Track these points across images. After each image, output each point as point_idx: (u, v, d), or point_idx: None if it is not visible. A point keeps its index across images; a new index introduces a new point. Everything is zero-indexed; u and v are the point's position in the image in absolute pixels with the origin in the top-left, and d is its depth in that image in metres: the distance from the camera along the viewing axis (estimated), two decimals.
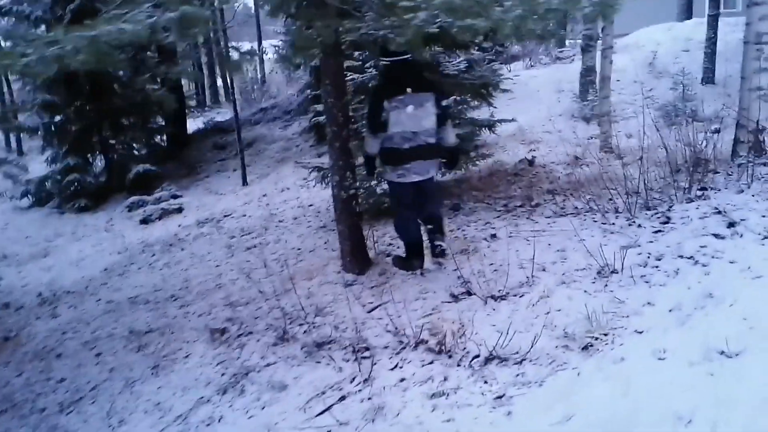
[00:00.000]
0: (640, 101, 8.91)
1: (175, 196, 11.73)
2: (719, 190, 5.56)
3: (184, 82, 20.77)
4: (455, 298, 4.79)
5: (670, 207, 5.39)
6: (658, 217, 5.26)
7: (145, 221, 11.01)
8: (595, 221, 5.64)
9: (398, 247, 5.94)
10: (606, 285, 4.34)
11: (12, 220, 12.51)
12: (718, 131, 7.33)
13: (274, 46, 16.09)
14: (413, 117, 4.94)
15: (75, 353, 5.63)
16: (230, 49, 13.13)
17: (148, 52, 13.77)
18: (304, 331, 4.68)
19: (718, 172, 6.09)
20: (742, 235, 4.47)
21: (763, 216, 4.63)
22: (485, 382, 3.55)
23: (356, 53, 7.39)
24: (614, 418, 2.92)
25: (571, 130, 9.55)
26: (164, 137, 15.63)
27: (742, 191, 5.37)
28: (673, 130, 6.87)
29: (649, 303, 3.94)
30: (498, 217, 6.50)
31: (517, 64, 17.32)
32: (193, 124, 17.70)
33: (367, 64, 7.25)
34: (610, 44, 9.20)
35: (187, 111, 17.21)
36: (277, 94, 20.98)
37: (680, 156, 6.21)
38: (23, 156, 20.60)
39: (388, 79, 5.15)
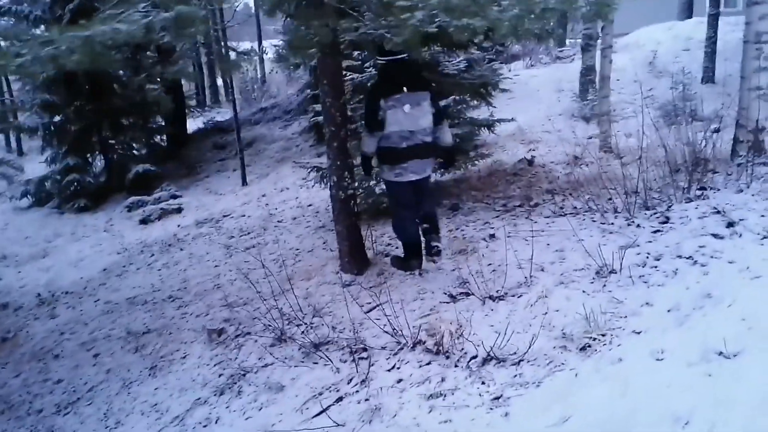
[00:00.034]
0: (640, 101, 8.89)
1: (174, 196, 11.71)
2: (718, 189, 5.53)
3: (184, 81, 20.77)
4: (453, 298, 4.78)
5: (669, 207, 5.36)
6: (657, 217, 5.24)
7: (144, 221, 10.99)
8: (594, 221, 5.62)
9: (397, 247, 5.93)
10: (604, 285, 4.32)
11: (11, 220, 12.49)
12: (717, 131, 7.30)
13: (275, 46, 16.08)
14: (410, 116, 4.95)
15: (73, 354, 5.62)
16: (227, 49, 13.11)
17: (148, 52, 13.73)
18: (302, 332, 4.67)
19: (718, 172, 6.06)
20: (741, 235, 4.44)
21: (762, 216, 4.61)
22: (483, 383, 3.54)
23: (355, 53, 7.37)
24: (612, 419, 2.91)
25: (570, 130, 9.52)
26: (164, 137, 15.61)
27: (742, 191, 5.35)
28: (672, 130, 6.85)
29: (647, 303, 3.92)
30: (497, 217, 6.48)
31: (517, 64, 17.29)
32: (193, 124, 17.68)
33: (367, 64, 7.23)
34: (610, 43, 9.18)
35: (187, 111, 17.19)
36: (277, 94, 20.97)
37: (679, 156, 6.18)
38: (23, 156, 20.63)
39: (385, 78, 5.15)
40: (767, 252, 4.09)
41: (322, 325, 4.80)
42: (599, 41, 9.93)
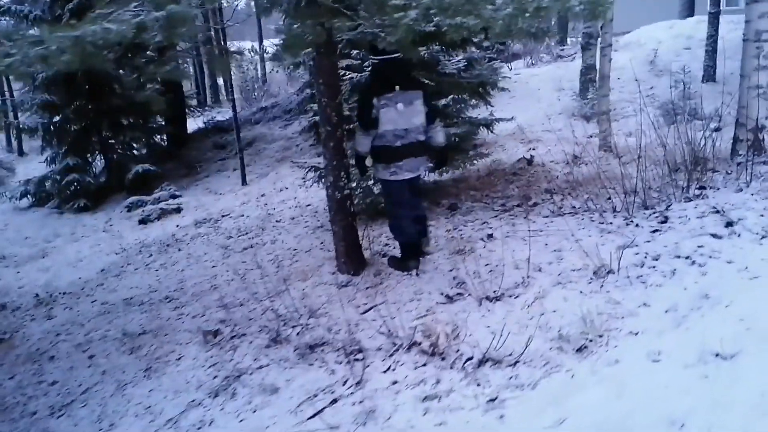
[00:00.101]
0: (640, 99, 8.85)
1: (174, 196, 11.70)
2: (718, 189, 5.49)
3: (184, 81, 20.77)
4: (450, 299, 4.74)
5: (668, 206, 5.33)
6: (656, 217, 5.20)
7: (143, 221, 10.97)
8: (593, 221, 5.58)
9: (394, 248, 5.91)
10: (602, 285, 4.29)
11: (11, 220, 12.48)
12: (718, 129, 7.27)
13: (275, 45, 16.05)
14: (403, 114, 5.00)
15: (68, 355, 5.59)
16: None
17: (148, 51, 13.71)
18: (298, 333, 4.63)
19: (717, 171, 6.03)
20: (740, 235, 4.41)
21: (761, 215, 4.57)
22: (478, 385, 3.51)
23: (354, 52, 7.34)
24: (608, 422, 2.89)
25: (570, 129, 9.48)
26: (164, 137, 15.60)
27: (741, 190, 5.31)
28: (672, 129, 6.81)
29: (644, 304, 3.89)
30: (495, 216, 6.45)
31: (518, 63, 17.28)
32: (193, 124, 17.67)
33: (366, 63, 7.20)
34: (609, 42, 9.14)
35: (187, 110, 17.19)
36: (278, 93, 20.96)
37: (679, 155, 6.14)
38: (24, 156, 20.66)
39: (378, 77, 5.19)
40: (766, 252, 4.07)
41: (318, 326, 4.77)
42: (599, 40, 9.89)
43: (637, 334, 3.58)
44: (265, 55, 23.92)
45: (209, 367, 4.63)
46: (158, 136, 15.30)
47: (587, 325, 3.71)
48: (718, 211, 4.85)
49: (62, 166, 12.97)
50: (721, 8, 12.44)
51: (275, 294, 5.35)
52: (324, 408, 3.68)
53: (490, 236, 5.86)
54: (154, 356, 5.12)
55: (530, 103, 12.48)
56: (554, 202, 6.40)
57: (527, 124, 10.85)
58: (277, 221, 8.57)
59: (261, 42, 25.74)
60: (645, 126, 6.15)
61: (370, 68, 5.96)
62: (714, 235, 4.51)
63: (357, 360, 4.09)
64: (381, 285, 5.26)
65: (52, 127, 13.25)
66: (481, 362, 3.71)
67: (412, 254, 5.44)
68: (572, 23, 17.20)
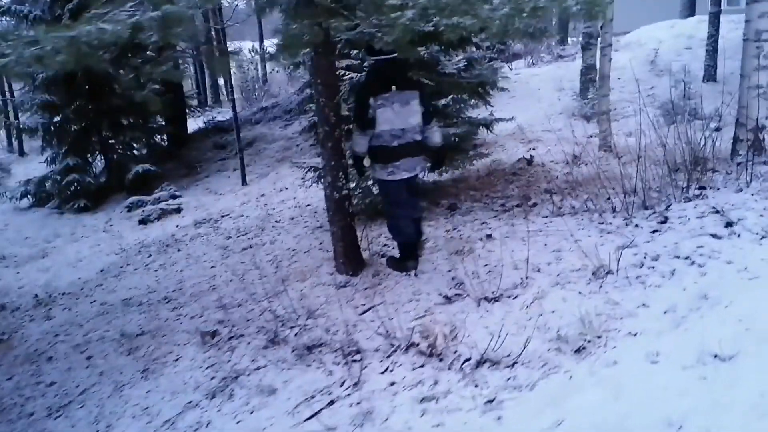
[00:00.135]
0: (641, 99, 8.82)
1: (174, 196, 11.69)
2: (718, 189, 5.47)
3: (185, 81, 20.77)
4: (448, 299, 4.73)
5: (668, 206, 5.31)
6: (656, 217, 5.18)
7: (143, 221, 10.96)
8: (592, 221, 5.57)
9: (393, 248, 5.89)
10: (601, 286, 4.27)
11: (12, 220, 12.47)
12: (718, 129, 7.25)
13: (274, 45, 15.99)
14: (400, 114, 5.01)
15: (66, 356, 5.58)
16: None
17: (148, 52, 13.69)
18: (295, 334, 4.62)
19: (717, 171, 6.01)
20: (739, 235, 4.40)
21: (761, 215, 4.56)
22: (476, 386, 3.50)
23: (354, 52, 7.32)
24: (605, 423, 2.88)
25: (570, 129, 9.46)
26: (164, 137, 15.59)
27: (741, 190, 5.29)
28: (673, 129, 6.79)
29: (643, 305, 3.87)
30: (494, 217, 6.43)
31: (518, 62, 17.26)
32: (194, 124, 17.66)
33: (365, 63, 7.18)
34: (609, 42, 9.12)
35: (187, 110, 17.17)
36: (278, 93, 20.95)
37: (679, 155, 6.12)
38: (24, 156, 20.66)
39: (374, 77, 5.19)
40: (766, 252, 4.05)
41: (316, 327, 4.75)
42: (599, 40, 9.87)
43: (635, 335, 3.56)
44: (265, 55, 23.89)
45: (207, 368, 4.62)
46: (158, 136, 15.28)
47: (586, 326, 3.69)
48: (717, 212, 4.83)
49: (62, 166, 12.97)
50: (723, 8, 12.43)
51: (273, 295, 5.33)
52: (321, 409, 3.67)
53: (489, 236, 5.84)
54: (152, 357, 5.10)
55: (530, 103, 12.46)
56: (554, 203, 6.38)
57: (527, 124, 10.83)
58: (276, 221, 8.56)
59: (261, 42, 25.72)
60: (645, 126, 6.13)
61: (367, 68, 5.96)
62: (714, 236, 4.49)
63: (355, 361, 4.07)
64: (379, 285, 5.25)
65: (52, 128, 13.24)
66: (479, 363, 3.69)
67: (410, 254, 5.43)
68: (573, 23, 17.19)
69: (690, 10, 17.67)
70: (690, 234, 4.63)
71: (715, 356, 3.01)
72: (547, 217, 6.05)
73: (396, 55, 5.01)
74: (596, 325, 3.69)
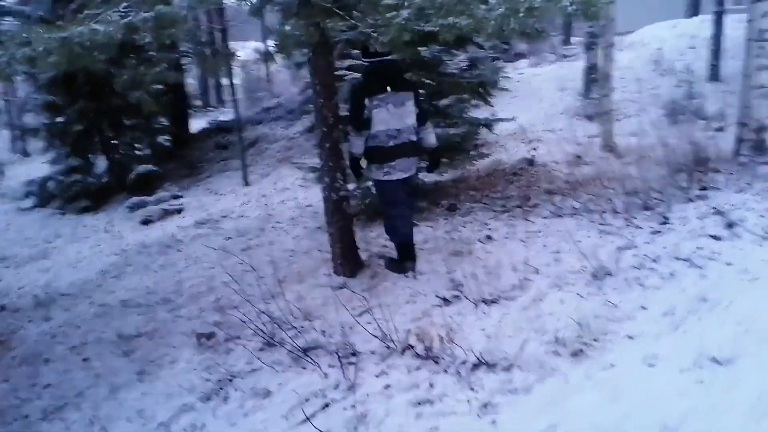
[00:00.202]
0: (644, 99, 8.80)
1: (175, 197, 11.66)
2: (719, 189, 5.43)
3: (189, 81, 20.73)
4: (446, 301, 4.70)
5: (669, 207, 5.27)
6: (656, 218, 5.15)
7: (145, 222, 10.91)
8: (593, 222, 5.53)
9: (391, 249, 5.85)
10: (600, 288, 4.24)
11: (13, 221, 12.45)
12: (721, 129, 7.21)
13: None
14: (395, 115, 5.03)
15: (63, 358, 5.55)
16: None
17: (150, 52, 13.66)
18: (292, 336, 4.58)
19: (720, 171, 5.96)
20: (740, 236, 4.36)
21: (762, 216, 4.52)
22: (472, 389, 3.46)
23: (355, 52, 7.28)
24: (601, 427, 2.86)
25: (572, 129, 9.42)
26: (168, 137, 15.56)
27: (743, 191, 5.25)
28: (676, 129, 6.76)
29: (642, 307, 3.85)
30: (494, 217, 6.39)
31: (522, 62, 17.21)
32: (197, 124, 17.63)
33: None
34: (612, 41, 9.08)
35: (190, 111, 17.14)
36: (280, 94, 20.92)
37: (681, 155, 6.08)
38: (28, 157, 20.68)
39: (369, 78, 5.19)
40: (766, 253, 4.02)
41: (312, 329, 4.72)
42: (602, 39, 9.83)
43: (633, 337, 3.53)
44: (265, 55, 23.87)
45: (202, 370, 4.59)
46: (161, 137, 15.25)
47: (583, 329, 3.66)
48: (719, 212, 4.80)
49: (65, 166, 12.96)
50: (728, 7, 12.37)
51: (271, 296, 5.30)
52: (316, 412, 3.64)
53: (488, 237, 5.82)
54: (149, 359, 5.07)
55: (532, 103, 12.41)
56: (554, 203, 6.35)
57: (529, 123, 10.78)
58: (276, 222, 8.52)
59: (265, 42, 25.72)
60: (647, 126, 6.09)
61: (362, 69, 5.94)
62: (714, 237, 4.47)
63: (350, 364, 4.03)
64: (377, 287, 5.20)
65: (54, 128, 13.23)
66: (476, 366, 3.66)
67: (408, 255, 5.41)
68: (576, 22, 17.15)
69: (694, 10, 17.60)
70: (690, 235, 4.60)
71: (713, 359, 2.98)
72: (547, 217, 6.02)
73: (391, 56, 5.03)
74: (594, 328, 3.66)
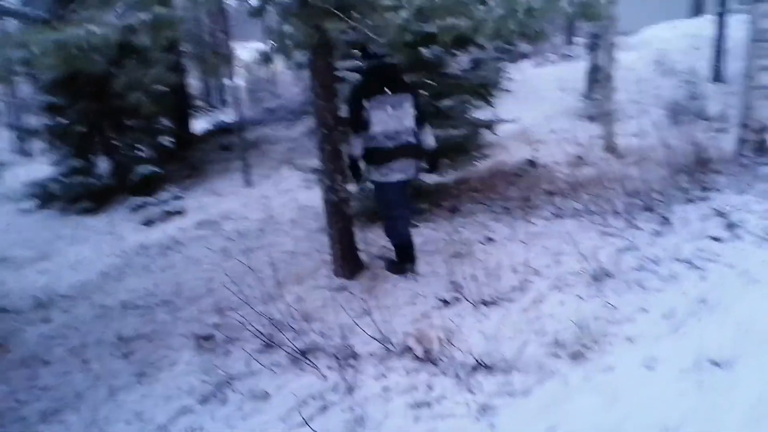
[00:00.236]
0: (646, 100, 8.77)
1: (177, 198, 11.65)
2: (720, 190, 5.41)
3: (191, 82, 20.72)
4: (446, 303, 4.68)
5: (670, 208, 5.25)
6: (657, 219, 5.13)
7: (146, 223, 10.92)
8: (594, 223, 5.51)
9: (391, 251, 5.83)
10: (600, 290, 4.21)
11: (15, 222, 12.45)
12: (722, 130, 7.18)
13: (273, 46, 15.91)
14: (393, 116, 5.03)
15: (62, 360, 5.54)
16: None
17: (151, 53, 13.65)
18: (291, 338, 4.56)
19: (721, 173, 5.93)
20: (741, 238, 4.34)
21: (763, 218, 4.49)
22: (470, 392, 3.44)
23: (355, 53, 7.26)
24: (600, 429, 2.85)
25: (574, 130, 9.41)
26: (169, 138, 15.54)
27: (744, 192, 5.22)
28: (677, 129, 6.74)
29: (642, 309, 3.82)
30: (495, 219, 6.38)
31: (525, 63, 17.17)
32: (200, 125, 17.62)
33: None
34: (614, 42, 9.06)
35: (191, 111, 17.12)
36: (282, 95, 20.92)
37: (683, 156, 6.06)
38: (30, 158, 20.68)
39: (367, 79, 5.21)
40: (767, 255, 3.99)
41: (312, 330, 4.70)
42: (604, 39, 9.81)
43: (633, 340, 3.51)
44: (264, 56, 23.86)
45: (201, 372, 4.57)
46: (163, 138, 15.23)
47: (583, 331, 3.64)
48: (720, 214, 4.77)
49: (66, 168, 12.95)
50: (731, 8, 12.33)
51: (270, 298, 5.29)
52: (314, 415, 3.62)
53: (489, 239, 5.79)
54: (148, 361, 5.06)
55: (534, 104, 12.38)
56: (555, 205, 6.33)
57: (531, 124, 10.75)
58: (277, 223, 8.51)
59: (265, 43, 25.69)
60: (649, 127, 6.06)
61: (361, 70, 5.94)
62: (715, 238, 4.44)
63: (349, 366, 4.02)
64: (377, 289, 5.19)
65: (55, 129, 13.22)
66: (475, 368, 3.64)
67: (407, 256, 5.40)
68: (578, 23, 17.13)
69: (697, 10, 17.58)
70: (691, 237, 4.58)
71: (713, 362, 2.97)
72: (548, 219, 6.00)
73: (389, 58, 5.08)
74: (594, 330, 3.63)
